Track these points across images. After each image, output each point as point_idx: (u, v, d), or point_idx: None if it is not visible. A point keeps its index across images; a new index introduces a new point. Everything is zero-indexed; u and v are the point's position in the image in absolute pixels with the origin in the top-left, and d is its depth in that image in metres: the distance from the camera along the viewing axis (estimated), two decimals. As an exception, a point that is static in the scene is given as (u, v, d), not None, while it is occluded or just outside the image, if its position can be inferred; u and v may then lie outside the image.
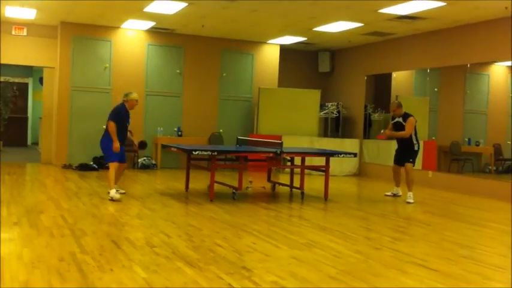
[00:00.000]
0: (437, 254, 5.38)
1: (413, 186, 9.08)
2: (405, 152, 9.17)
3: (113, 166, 8.05)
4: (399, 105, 9.18)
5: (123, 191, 8.50)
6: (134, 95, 8.41)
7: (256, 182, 10.01)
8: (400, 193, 9.52)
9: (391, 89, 13.35)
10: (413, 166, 9.15)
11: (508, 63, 11.21)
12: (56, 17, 12.15)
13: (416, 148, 9.15)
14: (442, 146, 12.08)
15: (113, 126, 8.03)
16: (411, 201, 8.90)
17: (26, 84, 18.94)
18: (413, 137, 9.08)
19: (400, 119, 9.11)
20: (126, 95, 8.40)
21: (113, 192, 7.85)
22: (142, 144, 8.99)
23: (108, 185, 8.06)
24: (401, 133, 9.05)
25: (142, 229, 6.04)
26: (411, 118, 9.03)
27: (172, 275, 4.27)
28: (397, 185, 9.56)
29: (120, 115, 8.20)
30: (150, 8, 10.68)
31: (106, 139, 8.17)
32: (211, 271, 4.38)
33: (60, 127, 12.67)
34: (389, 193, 9.66)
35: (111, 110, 8.39)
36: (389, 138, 9.73)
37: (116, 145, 7.99)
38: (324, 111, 14.24)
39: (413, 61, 12.58)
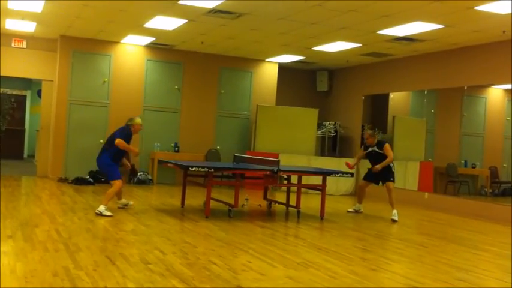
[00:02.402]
0: (433, 276, 5.35)
1: (396, 206, 9.23)
2: (384, 172, 9.34)
3: (117, 184, 8.08)
4: (372, 135, 9.49)
5: (132, 203, 8.81)
6: (138, 120, 8.56)
7: (252, 199, 9.98)
8: (362, 210, 9.86)
9: (388, 109, 13.41)
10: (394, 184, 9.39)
11: (505, 86, 11.28)
12: (56, 31, 12.20)
13: (393, 169, 9.39)
14: (439, 167, 12.10)
15: (121, 141, 8.09)
16: (396, 218, 9.05)
17: (24, 97, 18.95)
18: (390, 165, 9.35)
19: (375, 148, 9.38)
20: (131, 119, 8.52)
21: (102, 208, 7.83)
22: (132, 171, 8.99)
23: (104, 199, 8.01)
24: (387, 161, 9.23)
25: (137, 245, 6.00)
26: (387, 144, 9.34)
27: (166, 292, 4.24)
28: (360, 201, 9.90)
29: (127, 136, 8.30)
30: (150, 24, 10.74)
31: (103, 158, 8.22)
32: (206, 289, 4.35)
33: (57, 140, 12.65)
34: (351, 209, 9.97)
35: (119, 131, 8.38)
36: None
37: (134, 150, 8.43)
38: (322, 130, 14.26)
39: (411, 82, 12.64)
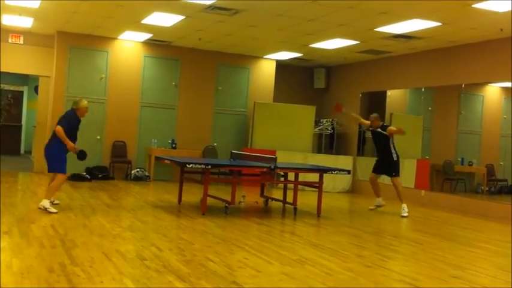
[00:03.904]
0: (428, 273, 5.36)
1: (404, 200, 9.29)
2: (385, 162, 9.50)
3: (62, 178, 7.77)
4: (377, 118, 9.68)
5: (57, 202, 8.26)
6: (85, 103, 8.05)
7: (249, 196, 9.99)
8: (383, 203, 9.81)
9: (385, 107, 13.42)
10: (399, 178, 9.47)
11: (502, 84, 11.30)
12: (53, 27, 12.17)
13: (395, 158, 9.43)
14: (435, 165, 12.12)
15: (60, 130, 7.63)
16: (405, 214, 9.13)
17: (21, 93, 18.89)
18: (391, 146, 9.41)
19: (379, 129, 9.54)
20: (76, 102, 8.02)
21: (47, 203, 7.55)
22: (82, 155, 8.18)
23: (47, 194, 7.73)
24: (391, 129, 9.40)
25: (133, 241, 6.00)
26: (391, 127, 9.56)
27: (162, 289, 4.24)
28: (378, 195, 9.85)
29: (71, 122, 7.87)
30: (147, 20, 10.72)
31: (52, 147, 7.77)
32: (202, 286, 4.36)
33: (54, 136, 12.61)
34: (372, 207, 9.92)
35: (62, 116, 8.04)
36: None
37: (71, 145, 7.67)
38: (319, 128, 14.27)
39: (408, 80, 12.65)
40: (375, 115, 9.78)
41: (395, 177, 9.40)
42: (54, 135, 7.81)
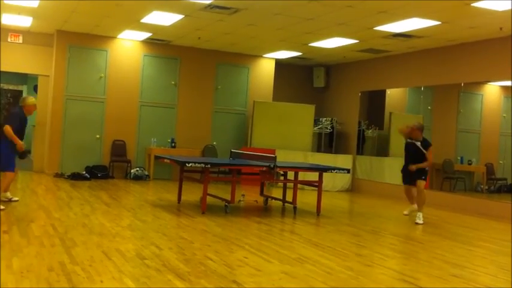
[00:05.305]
0: (428, 272, 5.37)
1: (424, 206, 8.78)
2: (418, 170, 8.76)
3: (10, 176, 7.72)
4: (419, 128, 8.75)
5: (16, 199, 8.23)
6: (31, 100, 8.04)
7: (248, 195, 9.98)
8: (416, 208, 9.03)
9: (384, 105, 13.42)
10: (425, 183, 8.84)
11: (501, 83, 11.30)
12: (52, 26, 12.16)
13: (427, 169, 8.79)
14: (435, 164, 12.08)
15: (9, 129, 7.56)
16: (420, 222, 8.55)
17: (21, 92, 18.86)
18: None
19: (418, 144, 8.71)
20: (23, 99, 8.02)
21: None
22: (23, 154, 8.27)
23: None
24: (425, 164, 8.67)
25: (133, 240, 6.00)
26: (432, 148, 8.68)
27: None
28: (412, 202, 9.19)
29: (18, 120, 7.80)
30: (146, 19, 10.72)
31: (2, 146, 7.59)
32: (201, 285, 4.36)
33: (53, 136, 12.63)
34: (406, 212, 9.36)
35: (8, 115, 8.05)
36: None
37: (20, 144, 7.63)
38: (318, 126, 14.27)
39: (407, 79, 12.65)
40: (417, 124, 8.82)
41: (422, 181, 8.70)
42: (3, 134, 7.67)
